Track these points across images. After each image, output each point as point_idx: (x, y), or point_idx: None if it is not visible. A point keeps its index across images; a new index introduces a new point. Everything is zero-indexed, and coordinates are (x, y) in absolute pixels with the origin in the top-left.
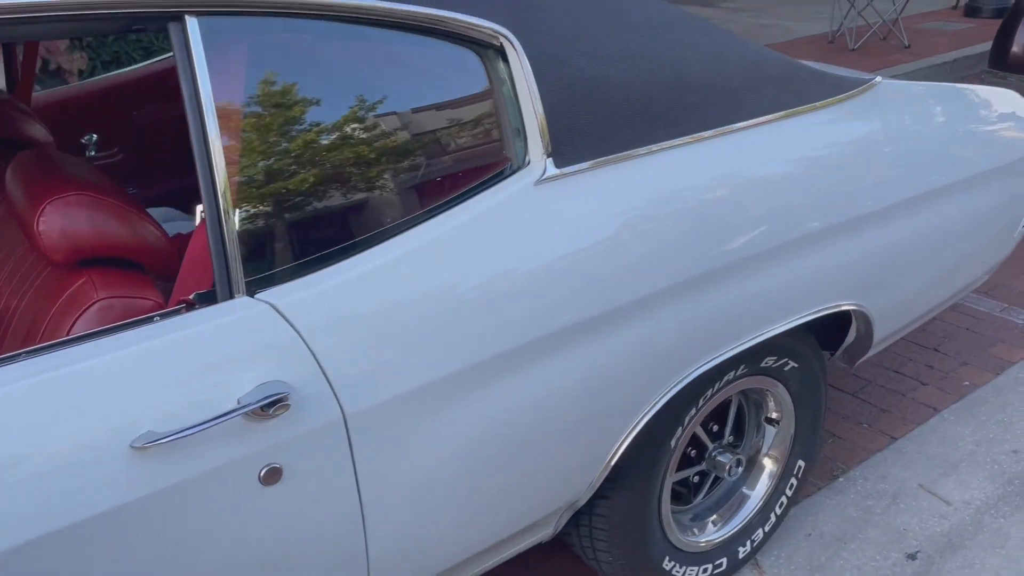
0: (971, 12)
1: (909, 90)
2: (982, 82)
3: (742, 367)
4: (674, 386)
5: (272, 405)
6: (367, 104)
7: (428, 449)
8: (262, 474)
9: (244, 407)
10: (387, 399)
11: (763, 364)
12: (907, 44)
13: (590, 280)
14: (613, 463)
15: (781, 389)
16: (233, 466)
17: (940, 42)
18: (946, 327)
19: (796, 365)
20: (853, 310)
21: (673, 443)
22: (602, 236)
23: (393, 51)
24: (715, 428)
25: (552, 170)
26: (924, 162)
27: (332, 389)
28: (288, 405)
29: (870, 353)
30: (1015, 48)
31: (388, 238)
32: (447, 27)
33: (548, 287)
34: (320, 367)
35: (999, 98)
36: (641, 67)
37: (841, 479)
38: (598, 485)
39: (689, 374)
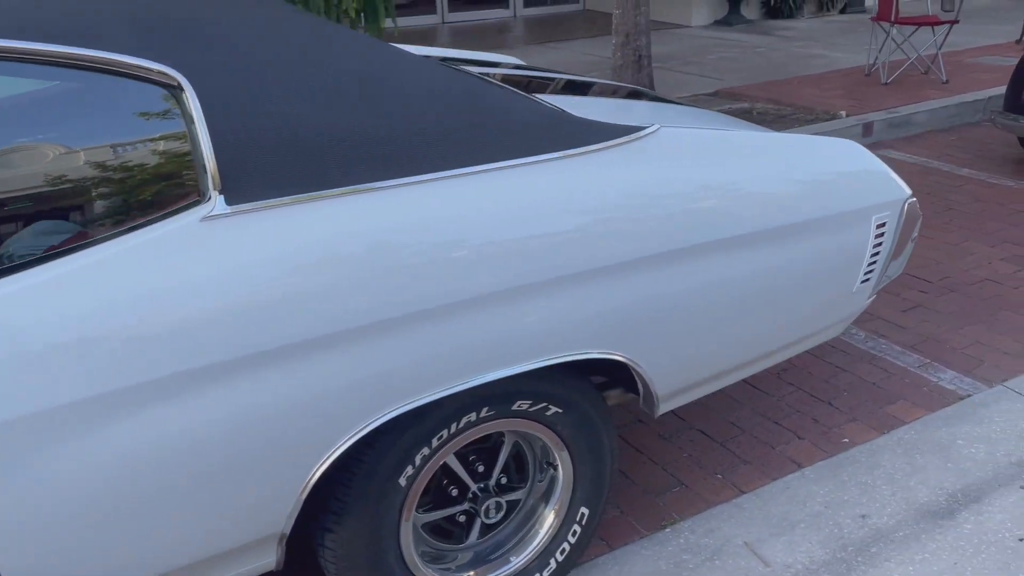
0: None
1: (697, 139)
2: (992, 124)
3: (486, 409)
4: (360, 430)
5: None
6: (25, 138)
7: (56, 474)
8: None
9: None
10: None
11: (515, 407)
12: (945, 79)
13: (242, 320)
14: (304, 498)
15: (551, 434)
16: None
17: (983, 78)
18: (851, 380)
19: (561, 410)
20: (623, 361)
21: (403, 481)
22: (268, 275)
23: (70, 89)
24: (481, 468)
25: (222, 207)
26: (692, 214)
27: None
28: None
29: (668, 405)
30: None
31: (24, 268)
32: (120, 68)
33: (192, 325)
34: None
35: (834, 149)
36: (343, 111)
37: (668, 529)
38: (295, 518)
39: (377, 418)
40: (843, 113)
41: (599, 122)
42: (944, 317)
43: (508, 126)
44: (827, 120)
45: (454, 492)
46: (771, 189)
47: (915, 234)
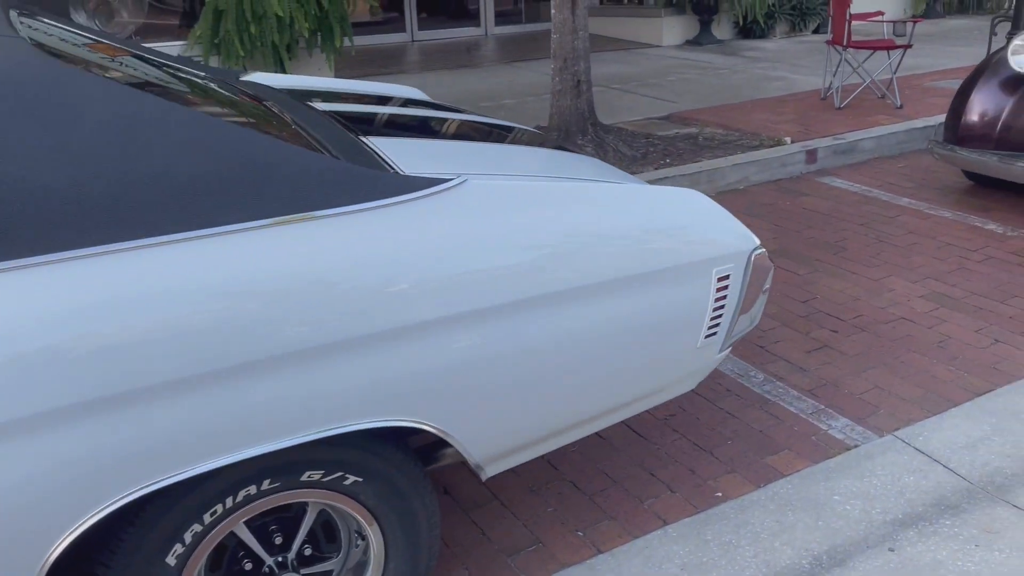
0: None
1: (510, 191)
2: (931, 154)
3: (268, 482)
4: (98, 512)
5: None
6: None
7: None
8: None
9: None
10: None
11: (305, 478)
12: (899, 104)
13: None
14: None
15: (354, 504)
16: None
17: (938, 103)
18: (737, 426)
19: (362, 480)
20: (430, 430)
21: (173, 560)
22: None
23: None
24: (280, 540)
25: None
26: (496, 272)
27: None
28: None
29: (495, 468)
30: (972, 117)
31: None
32: None
33: None
34: None
35: (672, 200)
36: (61, 169)
37: None
38: None
39: (117, 500)
40: (788, 139)
41: (397, 175)
42: (849, 359)
43: (273, 182)
44: (771, 146)
45: (248, 566)
46: (592, 243)
47: (767, 286)
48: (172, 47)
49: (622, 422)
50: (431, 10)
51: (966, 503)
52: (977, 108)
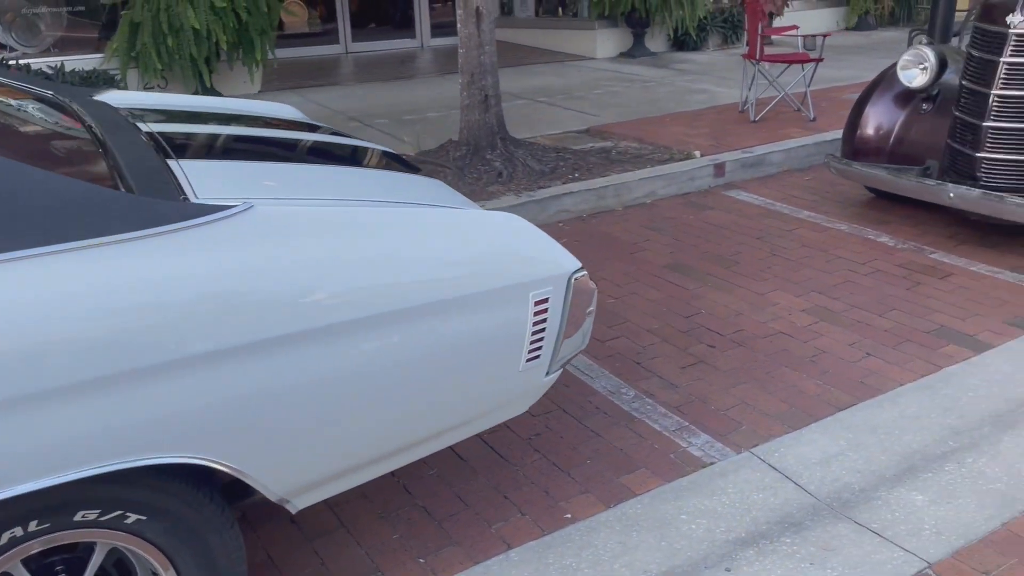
0: None
1: (303, 217)
2: (828, 169)
3: (35, 523)
4: None
5: None
6: None
7: None
8: None
9: None
10: None
11: (79, 518)
12: (812, 118)
13: None
14: None
15: (141, 543)
16: None
17: None
18: (599, 445)
19: (146, 518)
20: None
21: None
22: None
23: None
24: None
25: None
26: (281, 301)
27: None
28: None
29: (303, 501)
30: (867, 131)
31: None
32: None
33: None
34: None
35: (484, 224)
36: None
37: None
38: None
39: None
40: (697, 153)
41: (180, 201)
42: (721, 375)
43: (18, 212)
44: (681, 160)
45: None
46: (391, 269)
47: (591, 308)
48: (90, 60)
49: (484, 443)
50: (366, 22)
51: (809, 520)
52: (871, 122)
